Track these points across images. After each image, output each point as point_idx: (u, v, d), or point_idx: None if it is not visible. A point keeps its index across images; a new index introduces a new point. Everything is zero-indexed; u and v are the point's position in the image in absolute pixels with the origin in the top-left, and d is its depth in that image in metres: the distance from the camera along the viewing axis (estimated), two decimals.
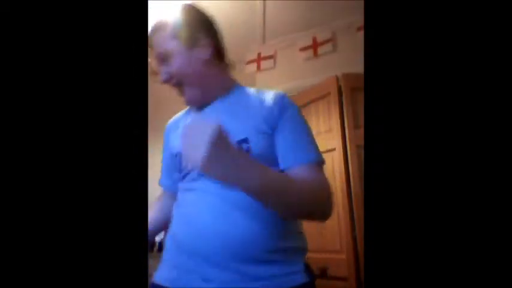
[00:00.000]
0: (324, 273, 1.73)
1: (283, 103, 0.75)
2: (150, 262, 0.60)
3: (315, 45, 2.58)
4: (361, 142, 1.85)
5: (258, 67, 2.58)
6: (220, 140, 0.47)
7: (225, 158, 0.49)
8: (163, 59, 0.76)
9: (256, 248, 0.63)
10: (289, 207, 0.62)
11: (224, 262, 0.62)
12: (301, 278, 0.66)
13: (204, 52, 0.78)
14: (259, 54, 2.61)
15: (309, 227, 0.79)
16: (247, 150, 0.68)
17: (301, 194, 0.63)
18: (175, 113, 0.92)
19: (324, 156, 0.73)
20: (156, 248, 2.40)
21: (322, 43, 2.57)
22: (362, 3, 0.41)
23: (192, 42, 0.76)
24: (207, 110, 0.79)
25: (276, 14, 2.39)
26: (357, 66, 1.67)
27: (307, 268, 0.70)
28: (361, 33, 2.33)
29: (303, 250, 0.72)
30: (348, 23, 2.46)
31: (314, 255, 1.55)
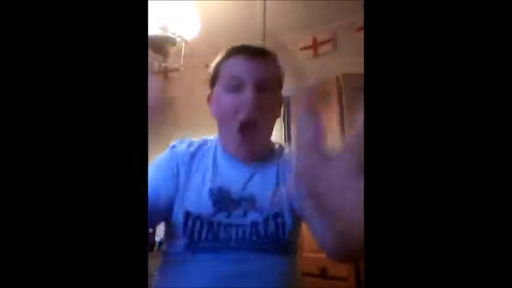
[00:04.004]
0: (323, 273, 1.73)
1: None
2: (150, 262, 0.60)
3: (315, 45, 2.58)
4: None
5: None
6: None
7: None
8: (263, 87, 0.61)
9: None
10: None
11: None
12: None
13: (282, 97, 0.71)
14: None
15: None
16: (283, 224, 0.67)
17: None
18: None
19: None
20: (156, 248, 2.40)
21: (322, 43, 2.57)
22: (362, 3, 0.41)
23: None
24: (254, 168, 0.68)
25: (276, 14, 2.39)
26: (357, 66, 1.67)
27: None
28: (361, 33, 2.33)
29: None
30: (348, 23, 2.46)
31: (314, 255, 1.55)
